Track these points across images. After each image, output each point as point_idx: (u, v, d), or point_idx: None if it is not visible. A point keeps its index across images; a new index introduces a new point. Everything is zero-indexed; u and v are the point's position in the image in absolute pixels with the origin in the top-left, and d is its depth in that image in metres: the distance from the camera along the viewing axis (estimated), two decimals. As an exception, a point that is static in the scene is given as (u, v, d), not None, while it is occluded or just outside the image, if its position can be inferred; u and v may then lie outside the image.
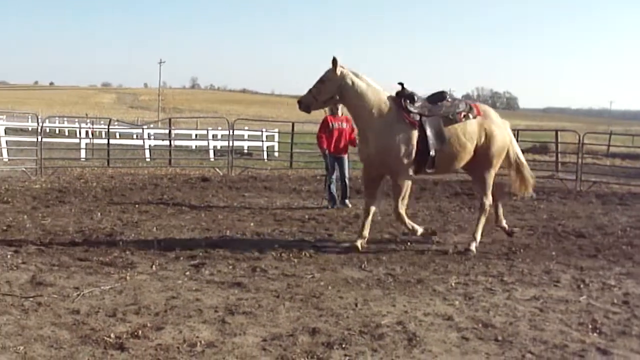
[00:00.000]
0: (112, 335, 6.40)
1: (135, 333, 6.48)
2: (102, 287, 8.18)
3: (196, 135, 44.60)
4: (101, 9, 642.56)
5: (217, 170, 24.14)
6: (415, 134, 10.85)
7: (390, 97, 11.07)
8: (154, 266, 9.36)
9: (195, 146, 40.55)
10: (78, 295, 7.82)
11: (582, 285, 9.14)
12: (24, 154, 25.77)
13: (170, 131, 35.07)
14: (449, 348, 6.52)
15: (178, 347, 6.22)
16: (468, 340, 6.70)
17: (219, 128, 43.99)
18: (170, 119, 38.80)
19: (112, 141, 29.75)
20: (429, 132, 10.90)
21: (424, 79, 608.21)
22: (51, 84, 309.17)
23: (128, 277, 8.71)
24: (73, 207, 14.71)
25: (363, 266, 9.80)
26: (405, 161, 10.81)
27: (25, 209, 14.16)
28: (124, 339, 6.34)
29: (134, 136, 41.83)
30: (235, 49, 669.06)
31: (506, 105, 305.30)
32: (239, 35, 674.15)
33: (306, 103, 10.99)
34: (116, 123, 39.86)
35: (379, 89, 11.08)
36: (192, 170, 24.77)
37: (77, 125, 48.59)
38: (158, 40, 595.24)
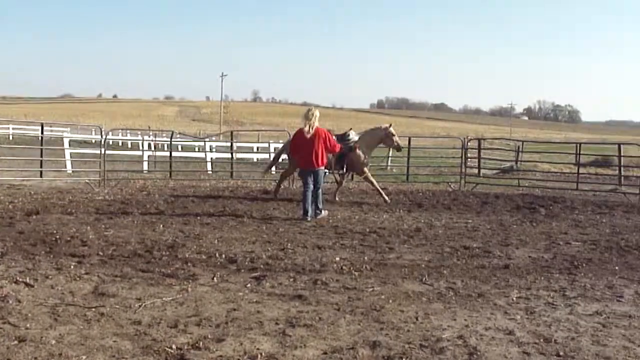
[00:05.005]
0: (174, 346, 6.44)
1: (197, 344, 6.51)
2: (163, 299, 8.24)
3: (258, 148, 44.88)
4: (163, 23, 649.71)
5: (278, 182, 24.24)
6: None
7: None
8: (215, 278, 9.41)
9: (257, 159, 40.77)
10: (140, 306, 7.88)
11: (646, 301, 9.01)
12: (87, 165, 26.16)
13: (232, 144, 35.32)
14: (511, 363, 6.46)
15: (239, 359, 6.24)
16: (529, 355, 6.61)
17: (280, 141, 44.21)
18: (232, 132, 39.01)
19: (174, 153, 30.04)
20: None
21: (486, 93, 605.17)
22: (114, 96, 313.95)
23: (189, 289, 8.76)
24: (135, 218, 14.86)
25: (424, 280, 9.75)
26: None
27: (88, 220, 14.34)
28: (185, 350, 6.37)
29: (196, 149, 42.19)
30: (296, 62, 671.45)
31: (568, 118, 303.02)
32: (300, 49, 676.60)
33: None
34: (178, 136, 40.18)
35: None
36: (253, 182, 24.91)
37: (140, 137, 49.13)
38: (220, 53, 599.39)
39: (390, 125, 19.83)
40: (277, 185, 20.47)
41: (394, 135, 19.49)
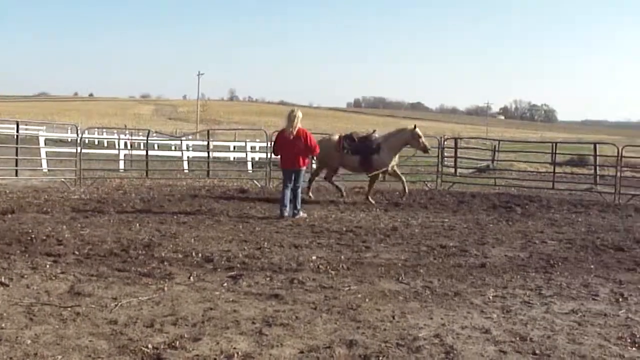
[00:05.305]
0: (150, 346, 6.42)
1: (173, 344, 6.49)
2: (140, 298, 8.21)
3: (234, 147, 44.79)
4: (140, 21, 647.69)
5: (255, 182, 24.21)
6: None
7: None
8: (191, 277, 9.39)
9: (234, 158, 40.68)
10: (116, 305, 7.85)
11: (620, 299, 9.06)
12: (63, 164, 26.06)
13: (208, 143, 35.22)
14: (487, 362, 6.49)
15: (215, 358, 6.22)
16: (505, 353, 6.64)
17: (257, 140, 44.12)
18: (208, 131, 38.87)
19: (150, 152, 29.90)
20: None
21: (462, 93, 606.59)
22: (90, 95, 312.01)
23: (166, 288, 8.74)
24: (111, 217, 14.80)
25: (400, 279, 9.77)
26: None
27: (64, 219, 14.27)
28: (162, 349, 6.35)
29: (173, 147, 42.04)
30: (273, 61, 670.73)
31: (544, 117, 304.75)
32: (277, 48, 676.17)
33: None
34: (155, 134, 40.12)
35: None
36: (230, 181, 24.87)
37: (116, 136, 48.94)
38: (197, 52, 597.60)
39: (415, 126, 19.71)
40: (337, 188, 20.53)
41: (420, 137, 19.36)
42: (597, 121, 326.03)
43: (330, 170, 20.12)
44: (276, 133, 17.95)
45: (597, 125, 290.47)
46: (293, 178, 16.16)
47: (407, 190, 20.12)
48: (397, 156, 19.92)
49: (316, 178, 20.63)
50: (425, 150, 20.03)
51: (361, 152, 19.17)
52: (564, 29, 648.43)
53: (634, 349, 6.94)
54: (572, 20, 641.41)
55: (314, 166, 21.27)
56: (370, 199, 19.45)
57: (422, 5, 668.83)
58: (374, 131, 20.25)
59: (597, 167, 28.53)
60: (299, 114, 16.30)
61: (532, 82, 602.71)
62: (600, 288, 9.66)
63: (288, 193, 16.05)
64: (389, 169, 19.56)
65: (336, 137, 19.88)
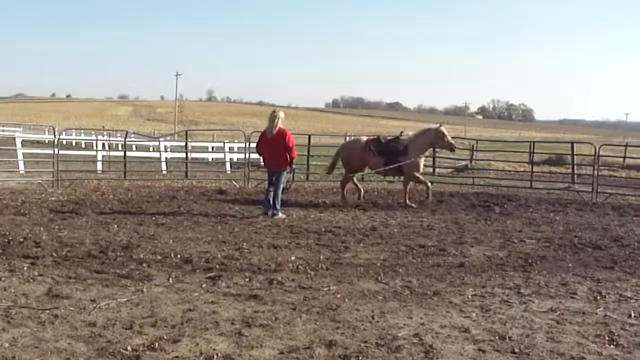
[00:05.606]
0: (129, 348, 6.40)
1: (152, 345, 6.47)
2: (118, 300, 8.18)
3: (213, 148, 44.70)
4: (117, 21, 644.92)
5: (234, 182, 24.17)
6: None
7: None
8: (170, 279, 9.36)
9: (212, 159, 40.59)
10: (94, 307, 7.81)
11: (598, 297, 9.12)
12: (40, 166, 25.83)
13: (186, 143, 35.14)
14: (466, 361, 6.50)
15: (194, 360, 6.22)
16: (485, 352, 6.66)
17: (236, 140, 44.03)
18: (186, 132, 38.79)
19: (128, 153, 29.75)
20: None
21: (440, 93, 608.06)
22: (68, 96, 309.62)
23: (145, 290, 8.71)
24: (89, 219, 14.73)
25: (379, 278, 9.78)
26: None
27: (42, 221, 14.19)
28: (141, 351, 6.33)
29: (151, 148, 41.90)
30: (251, 61, 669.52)
31: (522, 117, 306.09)
32: (256, 48, 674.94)
33: None
34: (133, 135, 39.99)
35: None
36: (208, 182, 24.82)
37: (93, 137, 48.70)
38: (175, 52, 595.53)
39: (441, 125, 19.57)
40: (342, 194, 20.07)
41: (445, 135, 19.08)
42: (575, 120, 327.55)
43: (351, 170, 19.83)
44: (255, 133, 17.99)
45: (574, 124, 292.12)
46: (274, 178, 16.22)
47: (429, 194, 19.67)
48: (423, 158, 19.86)
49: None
50: (452, 149, 19.83)
51: (387, 154, 19.01)
52: (542, 29, 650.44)
53: (611, 346, 6.99)
54: (550, 21, 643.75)
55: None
56: (410, 202, 19.21)
57: (401, 6, 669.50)
58: (402, 133, 20.27)
59: (575, 166, 28.61)
60: (281, 114, 16.39)
61: (510, 81, 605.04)
62: (578, 286, 9.72)
63: (271, 193, 16.21)
64: (420, 170, 19.45)
65: (364, 139, 19.90)
